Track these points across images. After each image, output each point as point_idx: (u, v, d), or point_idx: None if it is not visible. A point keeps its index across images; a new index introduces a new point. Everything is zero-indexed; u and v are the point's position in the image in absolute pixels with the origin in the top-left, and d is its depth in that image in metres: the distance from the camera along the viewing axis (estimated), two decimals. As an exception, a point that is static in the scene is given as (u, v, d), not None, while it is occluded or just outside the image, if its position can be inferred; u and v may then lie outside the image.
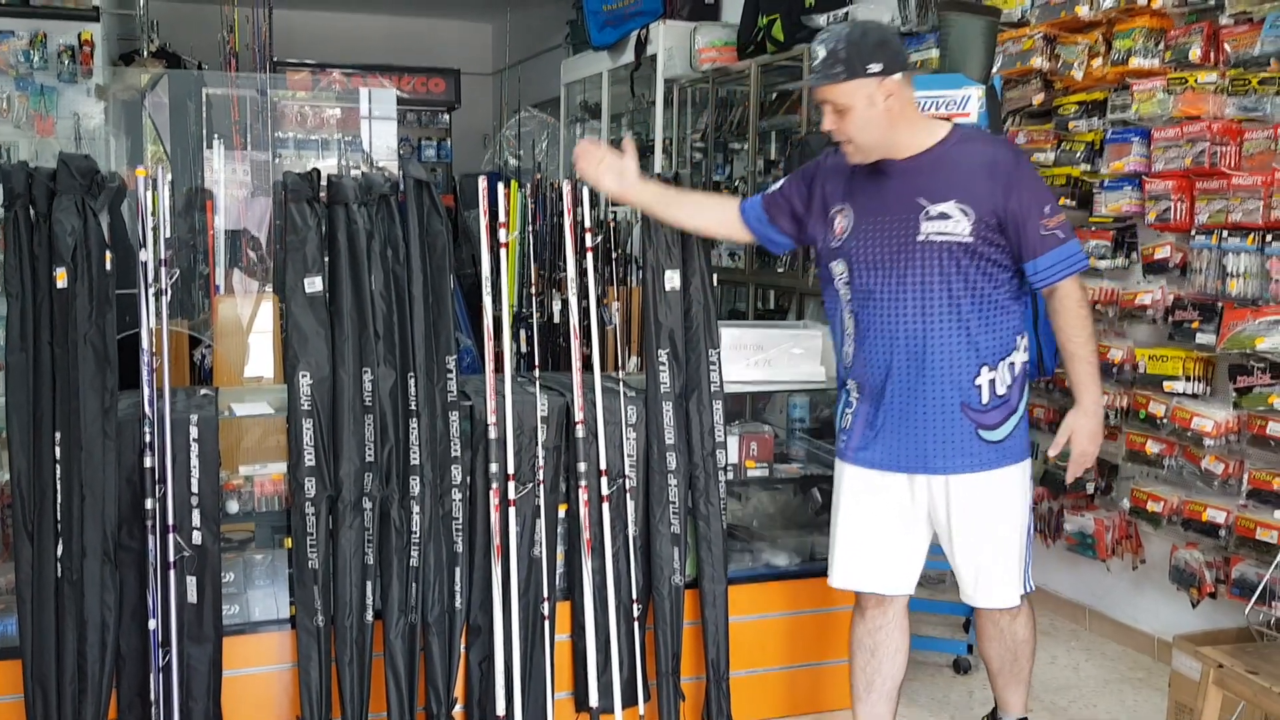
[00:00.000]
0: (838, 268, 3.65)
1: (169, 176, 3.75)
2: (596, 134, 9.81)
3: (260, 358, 5.31)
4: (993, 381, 3.50)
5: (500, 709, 3.97)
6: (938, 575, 5.03)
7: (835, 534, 3.78)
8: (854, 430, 3.69)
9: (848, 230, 3.60)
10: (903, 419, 3.56)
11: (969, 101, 4.56)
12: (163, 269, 3.65)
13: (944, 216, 3.43)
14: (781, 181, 3.88)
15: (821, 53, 3.44)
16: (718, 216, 4.02)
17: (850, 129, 3.47)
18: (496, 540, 3.96)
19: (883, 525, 3.68)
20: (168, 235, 3.72)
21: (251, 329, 5.39)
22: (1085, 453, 3.58)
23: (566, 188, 4.21)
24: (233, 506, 3.94)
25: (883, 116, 3.44)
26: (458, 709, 4.01)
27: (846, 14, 6.37)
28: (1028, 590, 3.71)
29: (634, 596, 4.14)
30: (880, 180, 3.55)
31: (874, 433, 3.62)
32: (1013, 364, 3.53)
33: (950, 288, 3.45)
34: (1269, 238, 4.21)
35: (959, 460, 3.54)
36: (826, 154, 3.76)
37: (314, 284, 3.79)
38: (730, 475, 4.35)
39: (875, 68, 3.38)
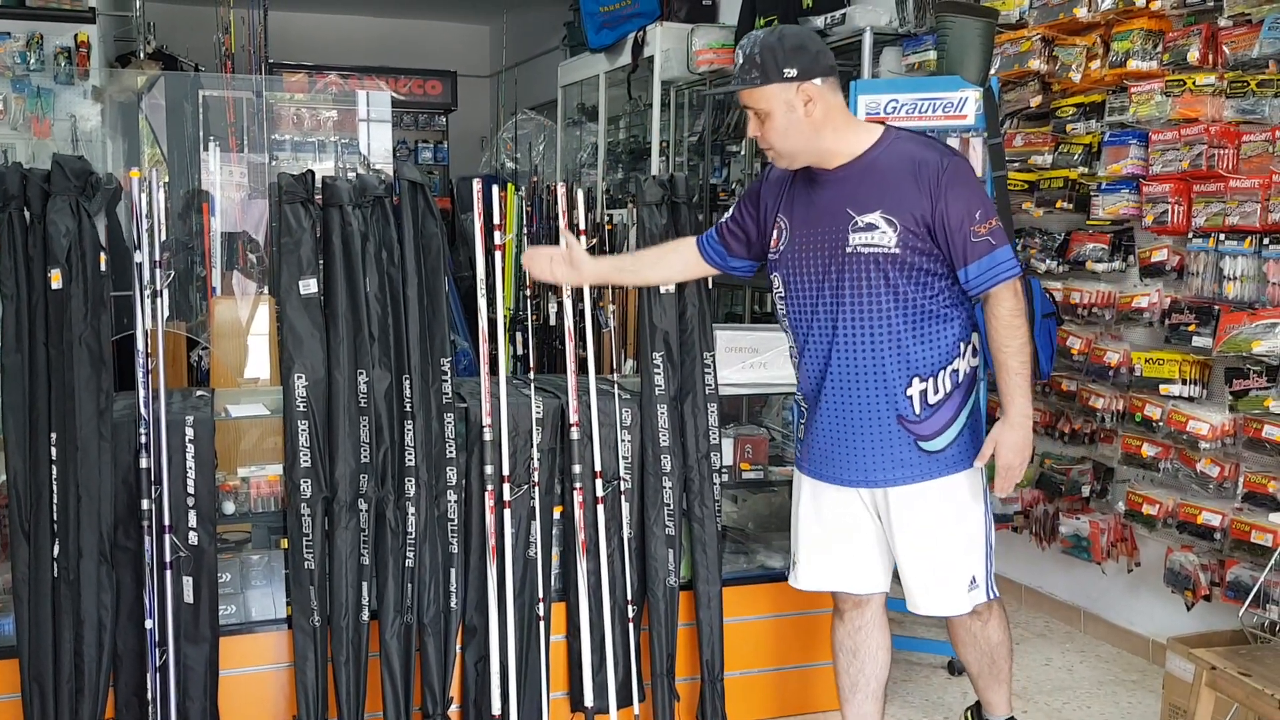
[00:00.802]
0: (776, 280, 3.62)
1: (165, 179, 3.76)
2: (593, 136, 9.80)
3: (258, 359, 5.32)
4: (924, 392, 3.43)
5: (496, 709, 3.98)
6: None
7: (797, 539, 3.76)
8: (805, 441, 3.68)
9: (783, 243, 3.56)
10: (840, 433, 3.53)
11: (966, 103, 4.57)
12: (158, 270, 3.65)
13: (871, 227, 3.37)
14: (731, 209, 3.83)
15: (740, 58, 3.38)
16: (680, 264, 3.95)
17: (772, 135, 3.41)
18: (492, 541, 3.96)
19: (842, 531, 3.66)
20: (163, 237, 3.73)
21: (249, 331, 5.40)
22: (1010, 466, 3.48)
23: (561, 190, 4.22)
24: (229, 507, 3.94)
25: (803, 122, 3.37)
26: (453, 709, 4.02)
27: (844, 15, 6.36)
28: (990, 597, 3.66)
29: (629, 598, 4.15)
30: (813, 191, 3.50)
31: (818, 446, 3.60)
32: (955, 371, 3.47)
33: (880, 300, 3.39)
34: (1266, 240, 4.21)
35: (897, 472, 3.49)
36: (769, 168, 3.71)
37: (309, 286, 3.79)
38: (725, 477, 4.35)
39: (790, 72, 3.32)
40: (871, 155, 3.43)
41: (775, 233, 3.60)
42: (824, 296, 3.47)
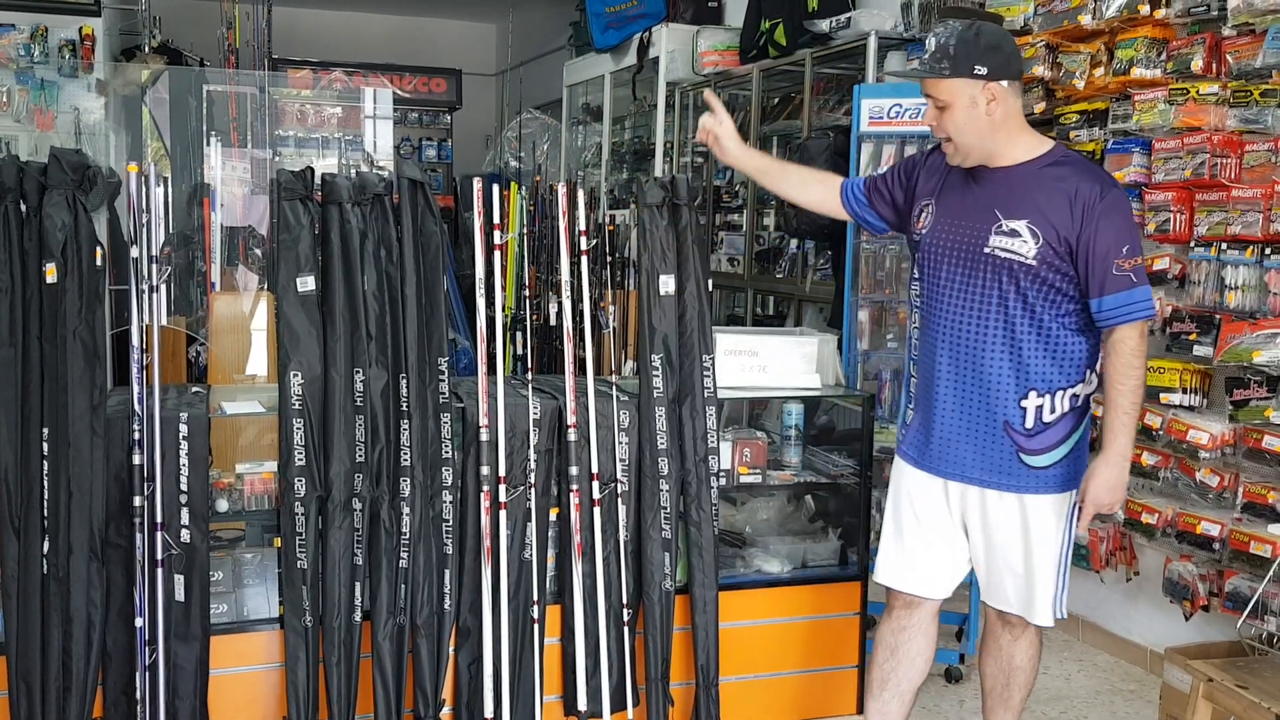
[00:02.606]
0: (916, 261, 3.68)
1: (166, 173, 3.74)
2: (597, 136, 9.79)
3: (257, 356, 5.31)
4: (1040, 408, 3.46)
5: (489, 712, 3.96)
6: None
7: (883, 529, 3.81)
8: (910, 427, 3.74)
9: (927, 227, 3.60)
10: (946, 424, 3.57)
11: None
12: (154, 265, 3.63)
13: (1013, 234, 3.39)
14: (887, 168, 3.87)
15: (931, 45, 3.40)
16: (820, 194, 3.97)
17: (950, 127, 3.44)
18: (487, 543, 3.94)
19: (922, 528, 3.70)
20: (161, 232, 3.71)
21: (250, 327, 5.38)
22: (1099, 501, 3.48)
23: (562, 190, 4.20)
24: (222, 505, 3.91)
25: (983, 120, 3.40)
26: (445, 711, 4.00)
27: (849, 19, 6.35)
28: (1059, 616, 3.66)
29: (624, 601, 4.13)
30: (968, 184, 3.53)
31: (921, 434, 3.65)
32: (1076, 395, 3.48)
33: (1007, 305, 3.43)
34: (1268, 250, 4.19)
35: (994, 477, 3.53)
36: (930, 150, 3.74)
37: (306, 283, 3.78)
38: (723, 481, 4.33)
39: (981, 70, 3.35)
40: (1034, 165, 3.45)
41: (921, 214, 3.64)
42: (953, 288, 3.51)
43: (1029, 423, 3.46)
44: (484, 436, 3.94)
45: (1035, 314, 3.42)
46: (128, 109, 8.69)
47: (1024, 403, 3.46)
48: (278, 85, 8.62)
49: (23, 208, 3.50)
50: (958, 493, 3.61)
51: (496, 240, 4.02)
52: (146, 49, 9.17)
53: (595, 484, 4.08)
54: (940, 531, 3.68)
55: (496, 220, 4.01)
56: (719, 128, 3.87)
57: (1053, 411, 3.46)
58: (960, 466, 3.57)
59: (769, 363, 4.49)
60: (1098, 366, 3.52)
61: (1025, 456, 3.49)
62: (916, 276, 3.67)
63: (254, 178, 7.08)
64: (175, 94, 8.16)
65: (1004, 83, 3.38)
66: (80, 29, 8.69)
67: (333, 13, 13.37)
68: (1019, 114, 3.48)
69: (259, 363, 5.31)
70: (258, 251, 6.27)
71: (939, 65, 3.38)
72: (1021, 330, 3.43)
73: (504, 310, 4.45)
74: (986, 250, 3.43)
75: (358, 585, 3.82)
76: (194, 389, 4.15)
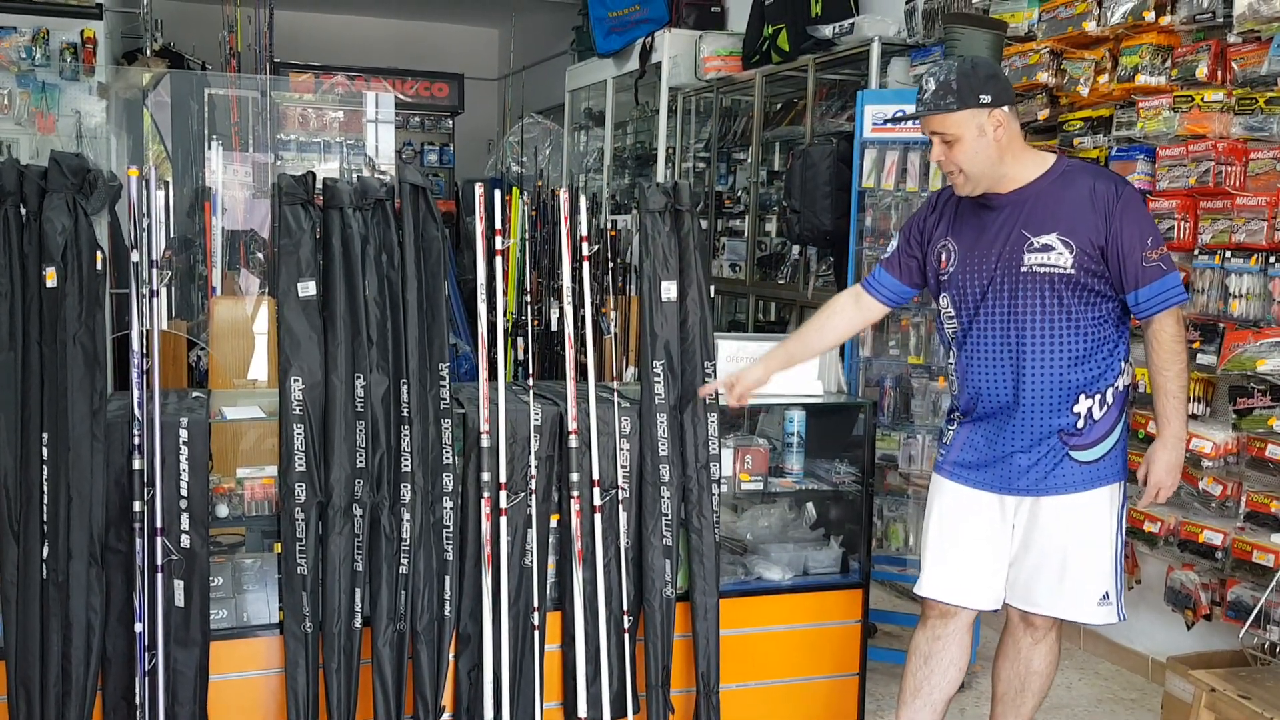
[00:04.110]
0: (944, 301, 3.73)
1: (166, 177, 3.72)
2: (599, 141, 9.78)
3: (259, 360, 5.30)
4: (1090, 409, 3.54)
5: (489, 718, 3.94)
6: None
7: (925, 544, 3.82)
8: (953, 446, 3.76)
9: (952, 264, 3.67)
10: (1000, 444, 3.62)
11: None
12: (155, 269, 3.62)
13: (1047, 248, 3.48)
14: (895, 240, 3.92)
15: (931, 85, 3.50)
16: (852, 315, 4.01)
17: (960, 159, 3.52)
18: (487, 549, 3.93)
19: (969, 541, 3.72)
20: (162, 236, 3.70)
21: (252, 331, 5.37)
22: (1160, 484, 3.59)
23: (564, 195, 4.19)
24: (223, 510, 3.90)
25: (992, 146, 3.50)
26: (445, 718, 3.99)
27: (853, 25, 6.34)
28: (1121, 618, 3.69)
29: (625, 608, 4.12)
30: (983, 214, 3.61)
31: (971, 452, 3.69)
32: (1116, 388, 3.57)
33: (1052, 319, 3.50)
34: (1272, 259, 4.18)
35: (1049, 483, 3.58)
36: (930, 199, 3.84)
37: (307, 288, 3.77)
38: (724, 488, 4.32)
39: (985, 98, 3.46)
40: (1044, 181, 3.56)
41: (943, 255, 3.71)
42: (994, 316, 3.59)
43: (1081, 424, 3.55)
44: (485, 442, 3.93)
45: (1075, 319, 3.50)
46: (129, 112, 8.67)
47: (1076, 408, 3.54)
48: (279, 89, 8.61)
49: (23, 211, 3.49)
50: (1013, 505, 3.66)
51: (498, 245, 4.02)
52: (148, 52, 9.16)
53: (596, 490, 4.06)
54: (992, 544, 3.70)
55: (498, 225, 4.01)
56: (740, 384, 3.94)
57: (1102, 407, 3.55)
58: (1016, 480, 3.61)
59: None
60: (1130, 357, 3.63)
61: (1075, 454, 3.56)
62: (951, 314, 3.71)
63: (255, 182, 7.08)
64: (177, 97, 8.15)
65: (1005, 108, 3.49)
66: (82, 32, 8.66)
67: (335, 17, 13.37)
68: (1020, 137, 3.59)
69: (260, 367, 5.30)
70: (259, 255, 6.26)
71: (944, 101, 3.48)
72: (1066, 339, 3.51)
73: (505, 315, 4.44)
74: (1024, 270, 3.51)
75: (358, 591, 3.81)
76: (194, 394, 4.14)
